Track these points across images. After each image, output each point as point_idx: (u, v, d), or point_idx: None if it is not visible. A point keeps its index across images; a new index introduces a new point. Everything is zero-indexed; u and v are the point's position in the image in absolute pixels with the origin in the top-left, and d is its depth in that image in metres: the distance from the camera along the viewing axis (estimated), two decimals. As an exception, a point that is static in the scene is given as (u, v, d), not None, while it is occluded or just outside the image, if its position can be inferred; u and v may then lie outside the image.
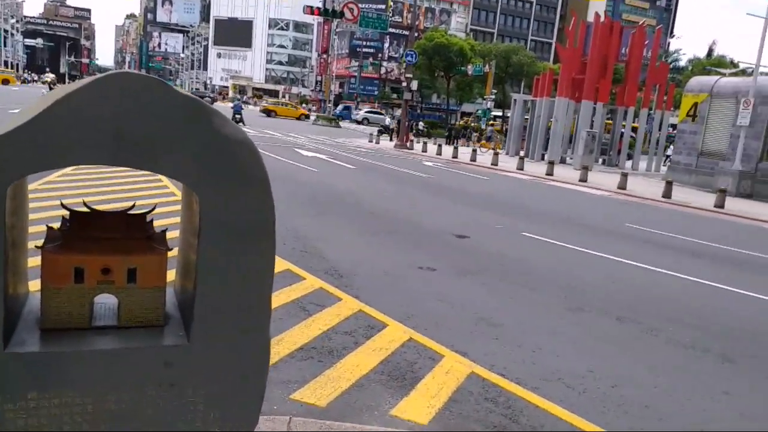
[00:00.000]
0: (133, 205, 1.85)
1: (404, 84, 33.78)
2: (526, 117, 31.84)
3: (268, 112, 50.70)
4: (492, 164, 23.90)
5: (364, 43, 74.62)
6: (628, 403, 4.00)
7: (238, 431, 1.76)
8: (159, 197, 9.11)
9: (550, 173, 21.45)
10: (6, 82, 50.60)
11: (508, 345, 4.78)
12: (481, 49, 55.33)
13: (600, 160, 29.45)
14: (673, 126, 32.13)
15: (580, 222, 11.82)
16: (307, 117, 53.33)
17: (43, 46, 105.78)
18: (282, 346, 4.22)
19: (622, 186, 18.81)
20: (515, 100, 32.80)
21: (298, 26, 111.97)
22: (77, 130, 1.41)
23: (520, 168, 23.12)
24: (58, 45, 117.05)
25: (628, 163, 29.30)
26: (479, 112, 46.11)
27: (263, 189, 1.66)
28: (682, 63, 70.44)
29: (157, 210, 2.15)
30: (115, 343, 1.61)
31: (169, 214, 7.18)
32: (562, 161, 27.89)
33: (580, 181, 20.05)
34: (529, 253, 8.37)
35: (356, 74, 67.74)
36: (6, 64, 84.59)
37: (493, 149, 29.45)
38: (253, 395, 1.77)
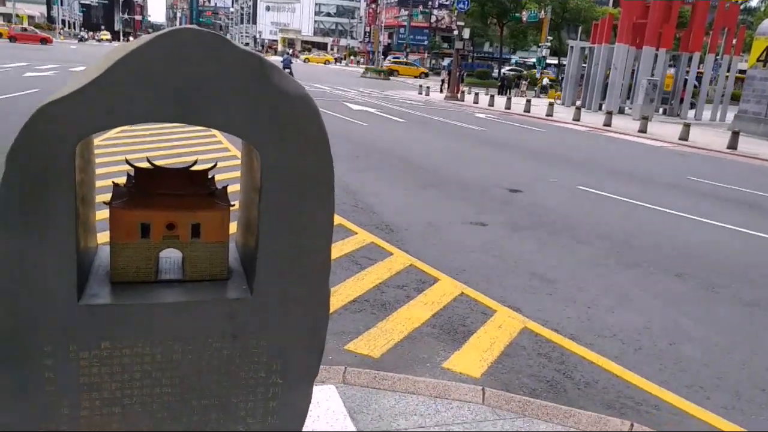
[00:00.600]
0: (195, 162, 1.88)
1: (455, 33, 32.90)
2: (583, 65, 30.65)
3: (389, 73, 49.86)
4: (547, 115, 23.24)
5: (414, -9, 72.62)
6: (685, 360, 3.92)
7: (300, 380, 1.81)
8: (215, 152, 9.29)
9: (607, 124, 20.73)
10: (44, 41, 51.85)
11: (561, 301, 4.74)
12: (536, -6, 53.10)
13: (661, 110, 28.20)
14: (742, 72, 30.26)
15: (638, 175, 11.44)
16: (426, 75, 53.17)
17: (97, 4, 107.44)
18: (336, 298, 4.30)
19: (684, 137, 18.03)
20: (572, 47, 31.52)
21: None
22: (141, 88, 1.43)
23: (577, 119, 22.41)
24: (111, 3, 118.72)
25: (691, 113, 27.96)
26: (534, 60, 44.53)
27: (322, 144, 1.65)
28: (754, 3, 65.81)
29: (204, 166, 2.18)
30: (181, 296, 1.66)
31: (226, 169, 7.32)
32: (621, 111, 26.87)
33: (639, 132, 19.31)
34: (584, 207, 8.18)
35: (406, 24, 66.36)
36: (63, 22, 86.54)
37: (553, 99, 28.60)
38: (314, 346, 1.81)
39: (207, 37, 1.47)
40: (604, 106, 26.72)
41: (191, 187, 1.76)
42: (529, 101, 25.99)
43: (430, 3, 75.70)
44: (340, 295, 4.37)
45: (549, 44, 42.46)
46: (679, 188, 10.45)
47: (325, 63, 67.97)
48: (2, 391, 1.54)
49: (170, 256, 1.83)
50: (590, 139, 17.73)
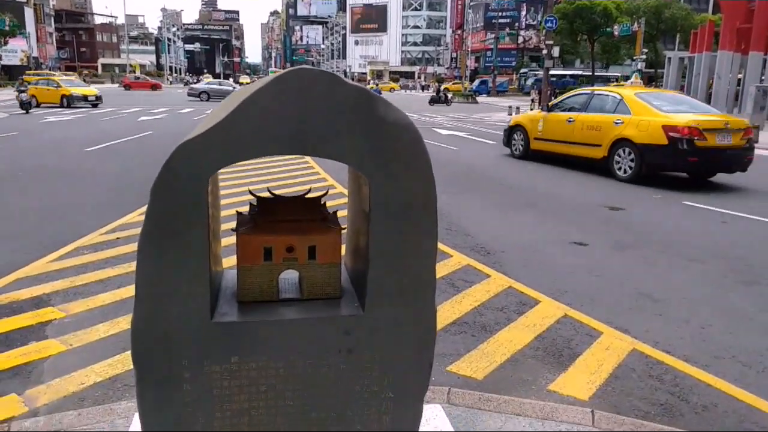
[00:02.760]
0: (309, 190, 2.03)
1: (544, 52, 32.51)
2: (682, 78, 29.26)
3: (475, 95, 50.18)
4: (644, 130, 22.27)
5: (500, 13, 72.61)
6: (817, 384, 3.63)
7: (410, 395, 1.88)
8: (314, 182, 9.68)
9: (713, 136, 19.55)
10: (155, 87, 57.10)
11: (673, 321, 4.53)
12: (627, 6, 51.51)
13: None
14: None
15: (749, 187, 10.72)
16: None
17: (200, 50, 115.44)
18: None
19: (802, 145, 16.68)
20: (670, 58, 30.22)
21: (432, 4, 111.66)
22: (263, 126, 1.59)
23: (678, 132, 21.31)
24: (212, 47, 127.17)
25: (809, 119, 25.82)
26: (630, 74, 43.11)
27: (426, 170, 1.75)
28: None
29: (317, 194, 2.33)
30: (300, 314, 1.79)
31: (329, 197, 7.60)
32: (727, 122, 25.29)
33: (749, 142, 18.06)
34: (692, 223, 7.78)
35: (492, 46, 66.24)
36: (171, 69, 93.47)
37: None
38: (423, 362, 1.88)
39: (319, 76, 1.62)
40: (708, 117, 25.28)
41: (306, 212, 1.90)
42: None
43: (516, 24, 75.27)
44: (439, 317, 4.41)
45: (644, 57, 40.87)
46: (799, 200, 9.67)
47: (390, 90, 72.17)
48: (149, 401, 1.72)
49: (288, 277, 1.98)
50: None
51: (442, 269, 5.50)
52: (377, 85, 41.86)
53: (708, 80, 26.65)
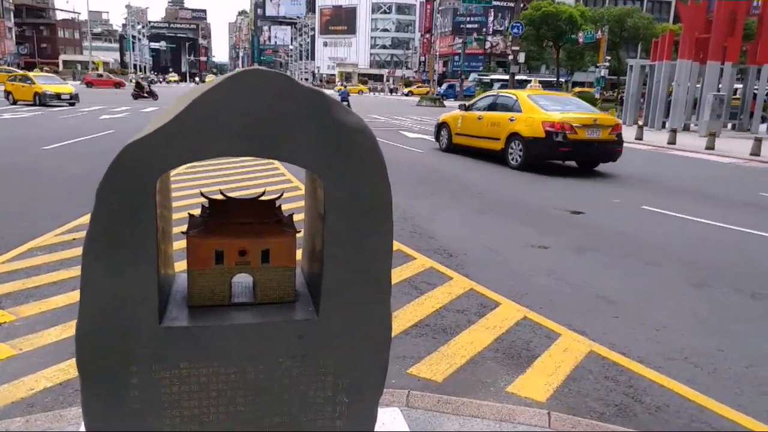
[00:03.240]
0: (264, 192, 2.01)
1: (510, 57, 32.93)
2: (643, 85, 30.00)
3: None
4: (607, 136, 22.77)
5: (468, 18, 73.20)
6: (765, 384, 3.75)
7: (366, 399, 1.88)
8: (278, 183, 9.60)
9: (672, 142, 20.12)
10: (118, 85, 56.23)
11: (629, 323, 4.62)
12: (592, 14, 52.60)
13: (729, 125, 27.15)
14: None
15: (706, 193, 11.04)
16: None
17: (165, 48, 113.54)
18: (396, 323, 4.35)
19: (756, 152, 17.27)
20: (631, 66, 30.91)
21: (401, 8, 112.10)
22: (214, 127, 1.56)
23: (639, 138, 21.86)
24: (179, 46, 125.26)
25: (762, 127, 26.76)
26: (594, 80, 43.99)
27: (381, 173, 1.74)
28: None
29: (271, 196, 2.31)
30: (252, 318, 1.77)
31: (291, 198, 7.56)
32: (686, 128, 26.06)
33: (706, 148, 18.64)
34: (649, 227, 7.97)
35: (460, 51, 66.77)
36: (135, 67, 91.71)
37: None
38: (378, 365, 1.87)
39: (274, 77, 1.60)
40: (667, 124, 25.97)
41: (260, 215, 1.88)
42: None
43: (484, 30, 76.11)
44: (401, 320, 4.42)
45: (607, 64, 41.78)
46: (750, 205, 10.01)
47: (358, 92, 73.03)
48: (94, 407, 1.67)
49: (241, 281, 1.95)
50: (654, 157, 17.25)
51: (405, 272, 5.51)
52: (345, 87, 41.77)
53: (668, 88, 27.35)
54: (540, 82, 56.82)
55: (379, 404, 3.04)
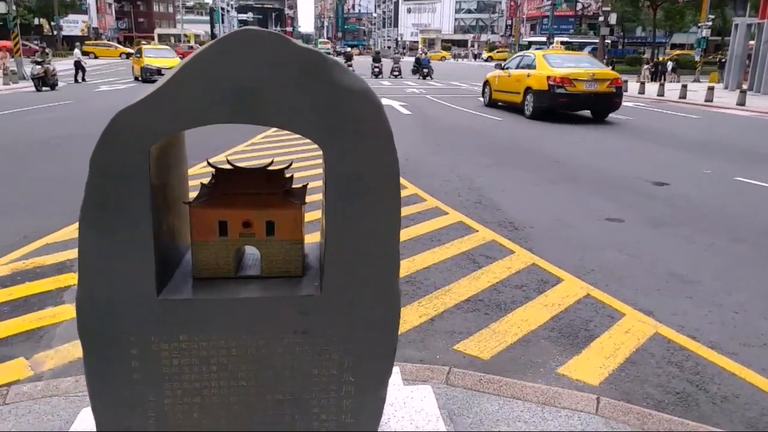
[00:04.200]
0: (272, 162, 1.93)
1: (601, 19, 31.12)
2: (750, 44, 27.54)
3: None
4: (706, 101, 21.18)
5: (558, -21, 69.75)
6: None
7: (372, 380, 1.79)
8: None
9: (778, 108, 18.41)
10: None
11: (703, 304, 4.27)
12: (694, -31, 48.58)
13: None
14: None
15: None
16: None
17: (253, 19, 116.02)
18: (449, 297, 4.23)
19: None
20: (737, 24, 28.42)
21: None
22: (203, 91, 1.49)
23: (741, 103, 20.15)
24: (266, 17, 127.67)
25: None
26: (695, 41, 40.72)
27: (385, 140, 1.62)
28: None
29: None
30: (256, 292, 1.71)
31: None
32: (797, 93, 23.74)
33: (818, 115, 16.92)
34: (741, 200, 7.32)
35: (549, 14, 63.91)
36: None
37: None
38: (385, 346, 1.78)
39: (266, 37, 1.50)
40: (776, 88, 23.76)
41: (268, 186, 1.81)
42: (684, 86, 23.83)
43: (575, -10, 72.32)
44: (453, 294, 4.29)
45: (710, 24, 38.59)
46: None
47: (441, 59, 73.39)
48: (98, 377, 1.69)
49: (255, 252, 1.90)
50: (755, 124, 15.87)
51: (464, 244, 5.36)
52: (426, 53, 41.04)
53: (778, 48, 24.97)
54: (632, 43, 53.66)
55: (414, 381, 2.97)
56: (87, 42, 57.80)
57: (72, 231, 5.49)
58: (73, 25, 67.85)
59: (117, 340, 1.64)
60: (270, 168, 1.86)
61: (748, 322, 4.00)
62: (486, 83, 18.46)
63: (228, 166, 1.85)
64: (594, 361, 3.45)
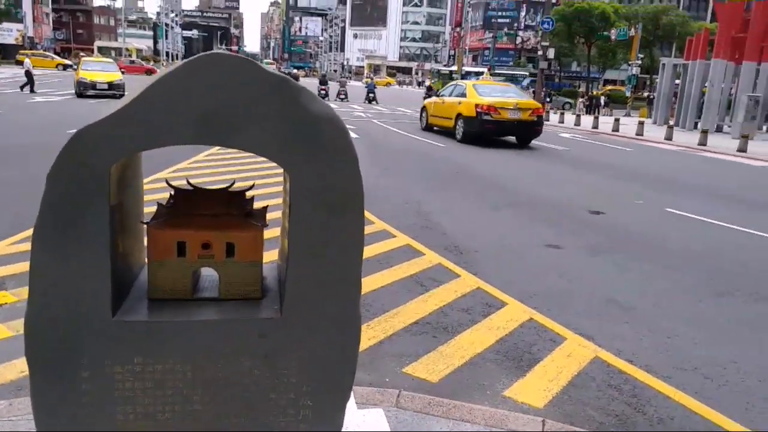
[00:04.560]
0: (233, 183, 1.93)
1: (540, 53, 32.38)
2: (676, 83, 29.26)
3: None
4: (636, 134, 22.32)
5: (499, 13, 72.48)
6: (778, 400, 3.56)
7: (330, 404, 1.79)
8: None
9: (702, 143, 19.56)
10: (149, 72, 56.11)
11: (639, 330, 4.45)
12: (626, 11, 51.46)
13: (765, 128, 26.32)
14: None
15: (735, 197, 10.69)
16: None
17: (198, 37, 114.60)
18: (397, 319, 4.26)
19: (791, 156, 16.69)
20: (664, 64, 30.20)
21: (432, 1, 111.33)
22: (168, 112, 1.48)
23: (669, 138, 21.34)
24: (211, 35, 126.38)
25: (800, 130, 25.87)
26: (626, 78, 42.92)
27: (351, 165, 1.65)
28: None
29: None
30: (213, 315, 1.69)
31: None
32: (719, 130, 25.34)
33: (738, 151, 18.09)
34: (672, 230, 7.72)
35: (490, 46, 66.03)
36: (167, 54, 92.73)
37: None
38: (345, 369, 1.78)
39: (234, 61, 1.51)
40: (699, 125, 25.28)
41: (228, 207, 1.80)
42: (617, 120, 25.03)
43: (515, 25, 75.13)
44: (402, 316, 4.32)
45: (640, 62, 40.80)
46: (782, 211, 9.65)
47: (386, 85, 76.03)
48: (45, 400, 1.62)
49: (211, 274, 1.88)
50: (683, 158, 16.81)
51: (411, 267, 5.41)
52: (372, 79, 41.56)
53: (702, 88, 26.63)
54: (568, 77, 56.25)
55: (365, 404, 2.97)
56: (21, 51, 55.51)
57: (3, 247, 5.22)
58: (6, 33, 65.15)
59: (68, 361, 1.58)
60: (231, 190, 1.85)
61: (680, 347, 4.20)
62: (423, 108, 20.00)
63: (187, 186, 1.83)
64: (538, 384, 3.54)
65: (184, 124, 1.50)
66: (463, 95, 16.92)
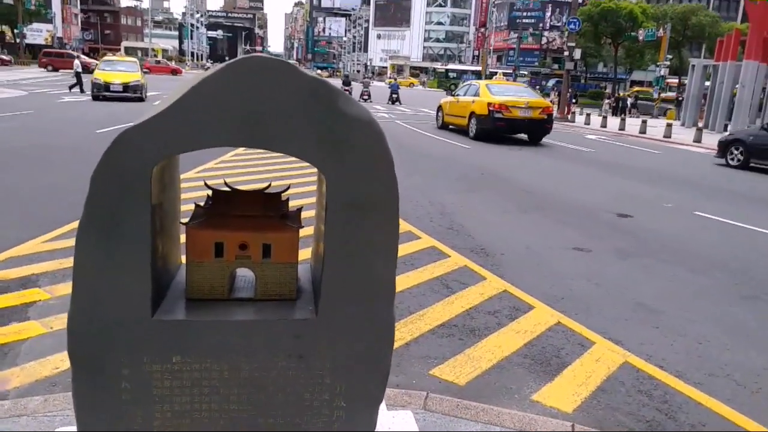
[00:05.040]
0: (269, 185, 1.94)
1: (566, 54, 32.06)
2: (706, 85, 28.76)
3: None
4: (665, 137, 21.99)
5: (524, 13, 71.93)
6: (814, 409, 3.48)
7: (363, 404, 1.79)
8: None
9: (732, 146, 19.14)
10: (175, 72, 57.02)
11: (669, 334, 4.39)
12: (654, 11, 50.69)
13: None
14: None
15: (765, 200, 10.46)
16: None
17: (222, 37, 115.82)
18: (423, 321, 4.26)
19: (824, 159, 16.25)
20: (693, 65, 29.69)
21: (456, 1, 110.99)
22: (210, 115, 1.50)
23: (698, 140, 20.99)
24: (235, 35, 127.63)
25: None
26: (654, 80, 42.26)
27: (387, 168, 1.65)
28: None
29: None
30: (250, 315, 1.71)
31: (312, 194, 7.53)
32: (749, 132, 24.79)
33: (769, 154, 17.66)
34: (700, 233, 7.59)
35: (515, 46, 65.60)
36: (192, 54, 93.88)
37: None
38: (378, 371, 1.79)
39: (274, 65, 1.53)
40: (729, 127, 24.81)
41: (264, 209, 1.82)
42: (644, 122, 24.68)
43: (540, 25, 74.50)
44: (428, 318, 4.32)
45: (668, 63, 40.15)
46: (815, 215, 9.42)
47: (409, 85, 75.06)
48: (85, 398, 1.65)
49: (247, 275, 1.90)
50: (711, 162, 16.50)
51: (437, 269, 5.40)
52: (395, 79, 41.58)
53: (732, 89, 26.15)
54: (594, 78, 55.92)
55: (393, 406, 2.97)
56: (45, 51, 56.59)
57: (37, 245, 5.34)
58: (36, 33, 66.53)
59: (108, 359, 1.61)
60: (267, 191, 1.87)
61: (711, 353, 4.12)
62: (439, 108, 20.62)
63: (225, 188, 1.85)
64: (567, 389, 3.51)
65: (224, 127, 1.52)
66: (477, 95, 17.51)
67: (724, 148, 15.96)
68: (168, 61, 66.19)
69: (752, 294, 5.38)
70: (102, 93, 21.89)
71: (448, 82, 65.72)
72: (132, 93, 22.22)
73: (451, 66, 75.61)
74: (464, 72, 70.50)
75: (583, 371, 3.73)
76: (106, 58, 27.50)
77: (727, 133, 18.83)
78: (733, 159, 15.51)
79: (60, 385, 3.17)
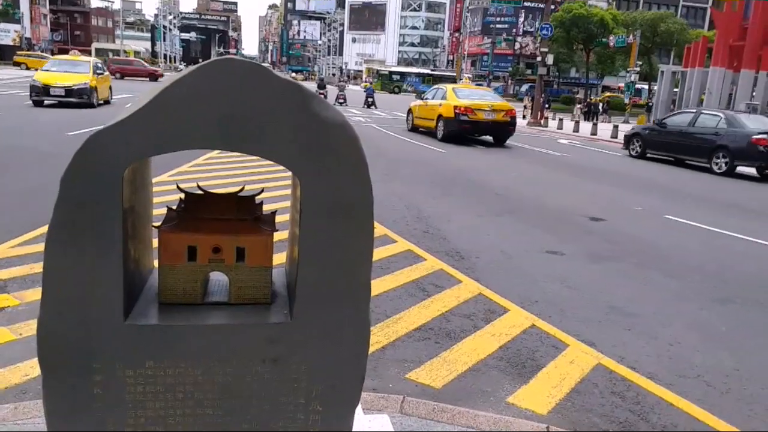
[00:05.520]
0: (243, 188, 1.92)
1: (539, 59, 32.45)
2: (674, 90, 29.39)
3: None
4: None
5: (498, 18, 72.57)
6: (780, 407, 3.57)
7: (340, 408, 1.78)
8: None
9: (700, 151, 19.57)
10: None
11: (641, 337, 4.46)
12: (624, 18, 51.69)
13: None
14: None
15: (733, 204, 10.72)
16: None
17: (196, 39, 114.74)
18: (400, 325, 4.25)
19: (788, 164, 16.69)
20: (662, 71, 30.32)
21: (431, 6, 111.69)
22: (182, 116, 1.48)
23: (666, 145, 21.34)
24: (209, 37, 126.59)
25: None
26: (625, 85, 43.00)
27: (362, 170, 1.65)
28: None
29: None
30: (224, 319, 1.68)
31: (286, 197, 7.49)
32: (716, 137, 25.38)
33: (736, 158, 18.09)
34: (671, 237, 7.73)
35: (489, 51, 66.24)
36: (165, 57, 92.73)
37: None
38: (354, 374, 1.78)
39: (248, 67, 1.51)
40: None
41: (238, 212, 1.79)
42: (616, 127, 25.10)
43: (514, 30, 75.35)
44: (404, 322, 4.32)
45: (638, 69, 40.94)
46: (780, 219, 9.68)
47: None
48: (58, 405, 1.60)
49: (220, 278, 1.87)
50: (681, 166, 16.84)
51: (413, 273, 5.41)
52: (371, 83, 41.68)
53: (699, 95, 26.78)
54: (566, 83, 56.67)
55: (370, 410, 2.96)
56: (18, 53, 55.50)
57: (5, 250, 5.21)
58: (4, 34, 65.13)
59: (80, 365, 1.57)
60: (241, 194, 1.85)
61: (682, 355, 4.20)
62: (409, 111, 21.34)
63: (198, 191, 1.82)
64: (541, 391, 3.54)
65: (198, 129, 1.49)
66: (444, 98, 18.30)
67: (627, 141, 18.41)
68: (144, 62, 64.94)
69: (725, 297, 5.49)
70: (42, 98, 19.09)
71: (391, 84, 69.86)
72: (77, 98, 19.22)
73: (394, 68, 77.84)
74: (407, 74, 73.86)
75: (558, 373, 3.76)
76: (54, 57, 24.74)
77: (630, 128, 20.37)
78: (633, 150, 17.94)
79: (30, 392, 3.10)
